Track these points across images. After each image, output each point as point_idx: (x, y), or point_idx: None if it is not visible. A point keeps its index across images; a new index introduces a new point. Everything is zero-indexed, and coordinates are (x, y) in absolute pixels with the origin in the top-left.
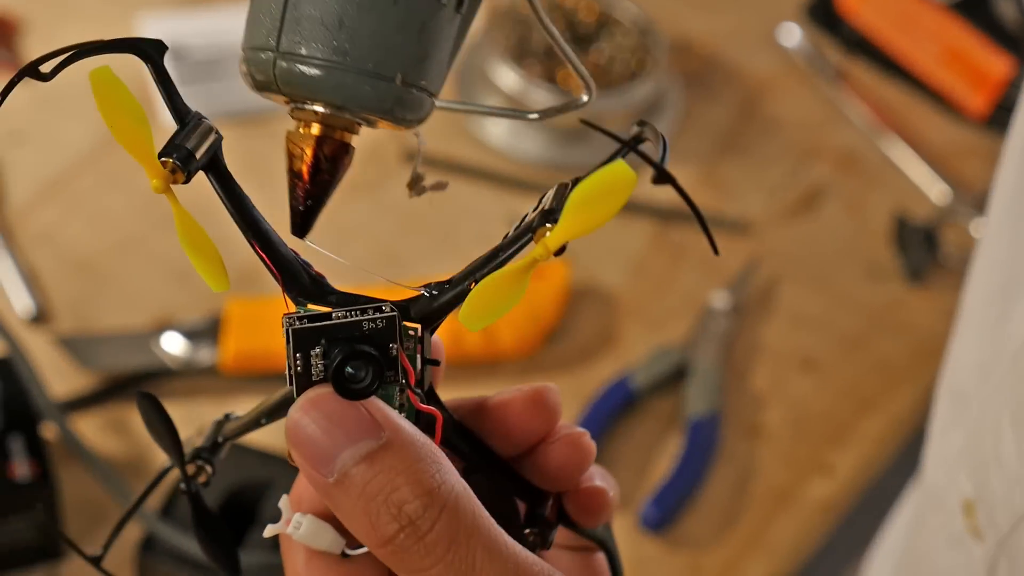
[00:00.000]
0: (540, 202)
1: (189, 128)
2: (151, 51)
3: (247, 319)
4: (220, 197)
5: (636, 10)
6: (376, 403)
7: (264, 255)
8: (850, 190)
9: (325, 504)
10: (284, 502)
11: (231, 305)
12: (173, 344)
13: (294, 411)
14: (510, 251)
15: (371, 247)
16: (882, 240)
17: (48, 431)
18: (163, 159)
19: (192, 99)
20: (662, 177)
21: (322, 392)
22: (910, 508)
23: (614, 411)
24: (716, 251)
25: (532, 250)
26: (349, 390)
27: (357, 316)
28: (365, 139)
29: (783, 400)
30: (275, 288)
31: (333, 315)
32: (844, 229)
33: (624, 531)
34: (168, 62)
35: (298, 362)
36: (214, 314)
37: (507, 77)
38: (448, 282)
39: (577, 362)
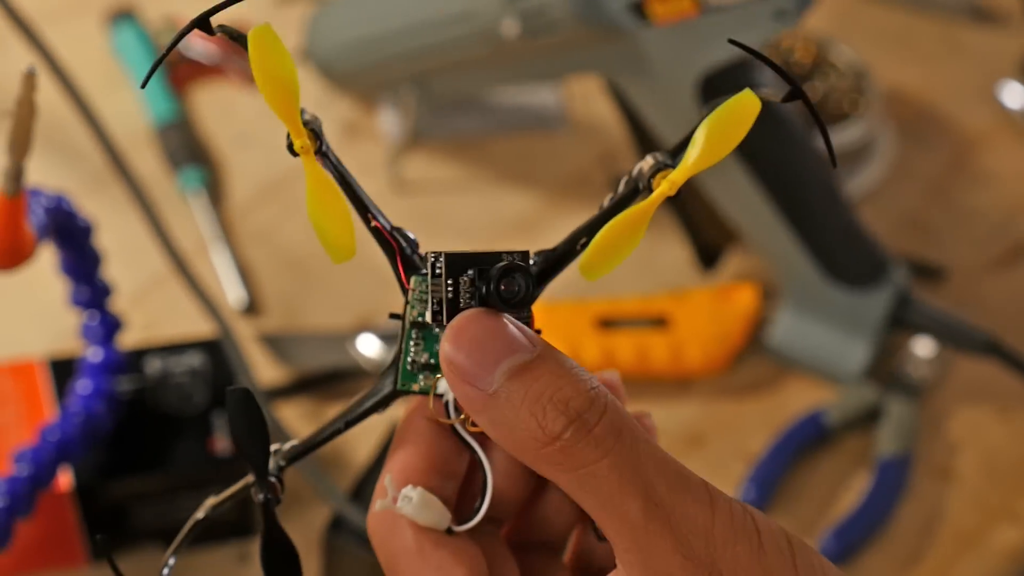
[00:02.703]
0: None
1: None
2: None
3: None
4: (337, 178)
5: (852, 54)
6: (521, 325)
7: (384, 231)
8: None
9: (427, 482)
10: (389, 481)
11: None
12: (368, 346)
13: (449, 332)
14: (620, 200)
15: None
16: None
17: None
18: (306, 125)
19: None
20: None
21: (474, 311)
22: None
23: (804, 444)
24: (835, 164)
25: (659, 189)
26: (510, 302)
27: (496, 250)
28: (572, 168)
29: (977, 446)
30: None
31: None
32: None
33: None
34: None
35: (449, 288)
36: None
37: None
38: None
39: (766, 386)
